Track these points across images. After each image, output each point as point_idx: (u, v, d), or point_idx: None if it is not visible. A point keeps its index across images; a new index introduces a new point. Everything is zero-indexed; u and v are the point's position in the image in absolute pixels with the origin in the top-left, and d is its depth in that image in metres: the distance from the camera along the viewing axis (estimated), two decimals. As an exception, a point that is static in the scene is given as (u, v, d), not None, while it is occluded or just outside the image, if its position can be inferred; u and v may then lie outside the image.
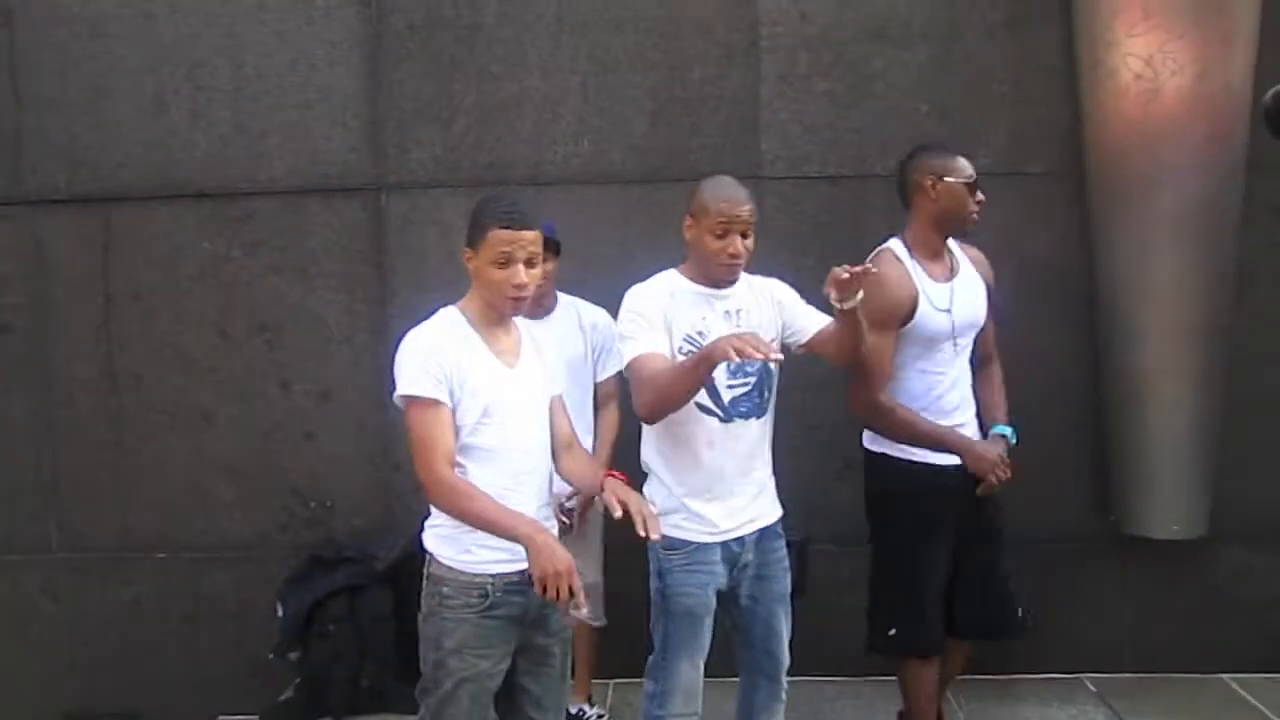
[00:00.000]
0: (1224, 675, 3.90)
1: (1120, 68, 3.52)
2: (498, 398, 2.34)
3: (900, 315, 2.89)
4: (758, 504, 2.74)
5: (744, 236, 2.61)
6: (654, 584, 2.70)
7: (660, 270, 2.75)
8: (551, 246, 3.20)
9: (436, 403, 2.29)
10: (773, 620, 2.77)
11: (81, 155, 3.88)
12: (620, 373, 3.35)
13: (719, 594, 2.71)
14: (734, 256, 2.61)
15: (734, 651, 2.84)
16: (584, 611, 2.19)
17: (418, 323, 2.40)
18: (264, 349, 3.92)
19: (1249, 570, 3.90)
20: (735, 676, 2.86)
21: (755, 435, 2.72)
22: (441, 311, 2.42)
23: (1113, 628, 3.92)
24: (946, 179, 2.94)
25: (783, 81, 3.82)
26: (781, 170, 3.83)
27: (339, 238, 3.89)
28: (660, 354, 2.58)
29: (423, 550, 2.44)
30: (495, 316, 2.40)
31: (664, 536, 2.64)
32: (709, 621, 2.70)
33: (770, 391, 2.73)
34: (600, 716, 3.64)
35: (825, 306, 2.64)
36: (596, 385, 3.45)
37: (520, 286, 2.32)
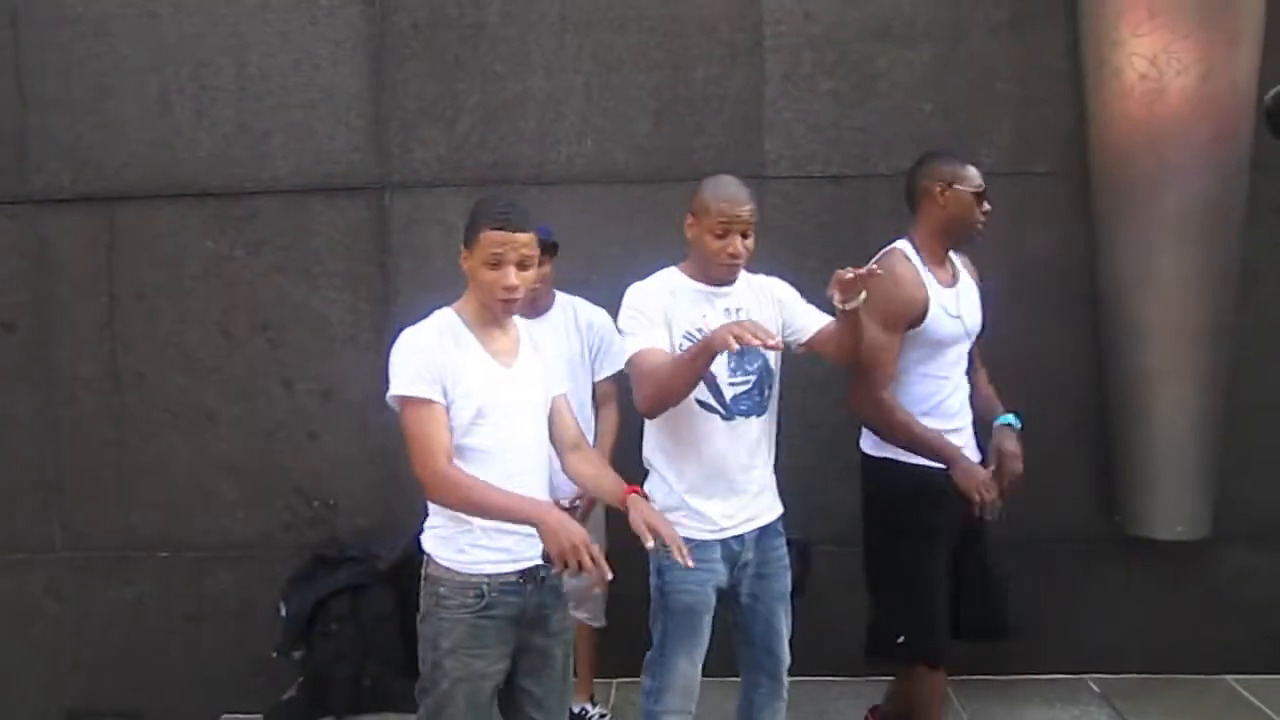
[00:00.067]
0: (1228, 676, 3.89)
1: (1125, 67, 3.51)
2: (492, 398, 2.34)
3: (910, 315, 2.87)
4: (758, 502, 2.75)
5: (744, 236, 2.62)
6: (653, 580, 2.70)
7: (662, 269, 2.75)
8: (549, 249, 3.21)
9: (430, 402, 2.29)
10: (773, 619, 2.77)
11: (86, 154, 3.88)
12: (618, 372, 3.37)
13: (720, 592, 2.71)
14: (733, 256, 2.62)
15: (735, 650, 2.83)
16: (609, 576, 2.17)
17: (419, 322, 2.40)
18: (267, 348, 3.92)
19: (1253, 571, 3.89)
20: (737, 676, 2.86)
21: (756, 433, 2.72)
22: (437, 312, 2.42)
23: (1116, 628, 3.92)
24: (956, 187, 2.93)
25: (786, 81, 3.81)
26: (785, 170, 3.83)
27: (342, 237, 3.89)
28: (660, 349, 2.58)
29: (422, 551, 2.44)
30: (491, 317, 2.40)
31: None
32: (708, 619, 2.70)
33: (770, 389, 2.74)
34: (603, 716, 3.65)
35: (828, 306, 2.63)
36: (595, 385, 3.45)
37: (511, 289, 2.32)
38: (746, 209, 2.61)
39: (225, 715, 3.90)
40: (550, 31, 3.81)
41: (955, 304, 2.99)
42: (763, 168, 3.81)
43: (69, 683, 4.03)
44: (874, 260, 2.99)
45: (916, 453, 2.92)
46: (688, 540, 2.62)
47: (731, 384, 2.66)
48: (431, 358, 2.31)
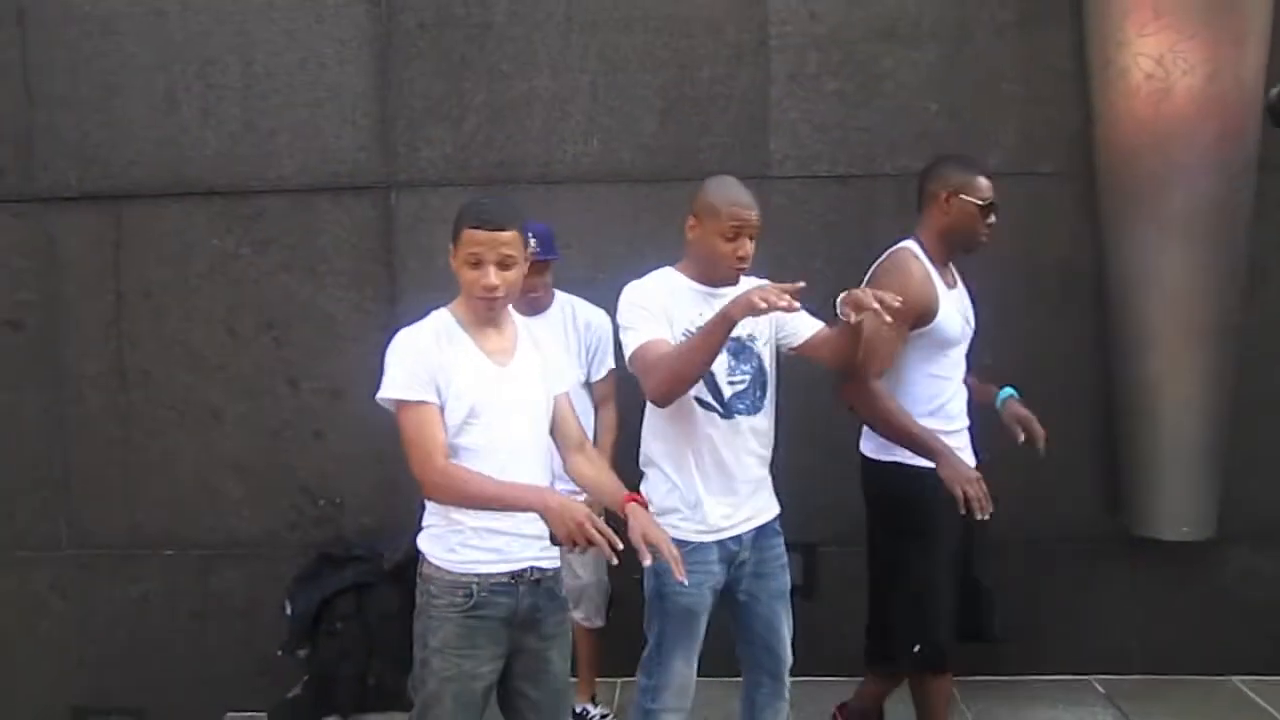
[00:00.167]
0: (1233, 677, 3.89)
1: (1131, 67, 3.51)
2: (485, 397, 2.34)
3: (919, 311, 2.86)
4: (755, 501, 2.75)
5: (750, 239, 2.63)
6: (649, 581, 2.70)
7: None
8: (547, 259, 3.27)
9: (424, 404, 2.30)
10: (773, 618, 2.77)
11: (93, 153, 3.89)
12: (615, 372, 3.38)
13: (718, 592, 2.71)
14: (743, 259, 2.63)
15: (736, 650, 2.83)
16: (619, 545, 2.15)
17: (415, 323, 2.40)
18: (273, 347, 3.93)
19: (1258, 572, 3.89)
20: (739, 676, 2.86)
21: (754, 432, 2.72)
22: (433, 313, 2.42)
23: (1121, 629, 3.91)
24: (962, 196, 2.93)
25: (792, 81, 3.81)
26: (790, 170, 3.83)
27: (349, 236, 3.90)
28: (665, 340, 2.58)
29: (419, 551, 2.45)
30: (484, 316, 2.40)
31: None
32: (704, 619, 2.71)
33: (766, 389, 2.74)
34: (604, 716, 3.64)
35: (832, 306, 2.62)
36: (592, 385, 3.45)
37: (490, 288, 2.31)
38: (755, 212, 2.62)
39: (230, 713, 3.91)
40: (556, 31, 3.81)
41: (959, 305, 3.01)
42: (768, 168, 3.81)
43: (75, 680, 4.04)
44: (883, 257, 3.01)
45: (903, 444, 2.89)
46: (685, 543, 2.63)
47: (730, 382, 2.67)
48: (425, 359, 2.31)
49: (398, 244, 3.89)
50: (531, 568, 2.39)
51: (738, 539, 2.71)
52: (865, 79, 3.80)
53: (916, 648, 2.99)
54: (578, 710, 3.52)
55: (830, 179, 3.83)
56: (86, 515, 4.00)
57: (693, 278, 2.70)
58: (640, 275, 2.74)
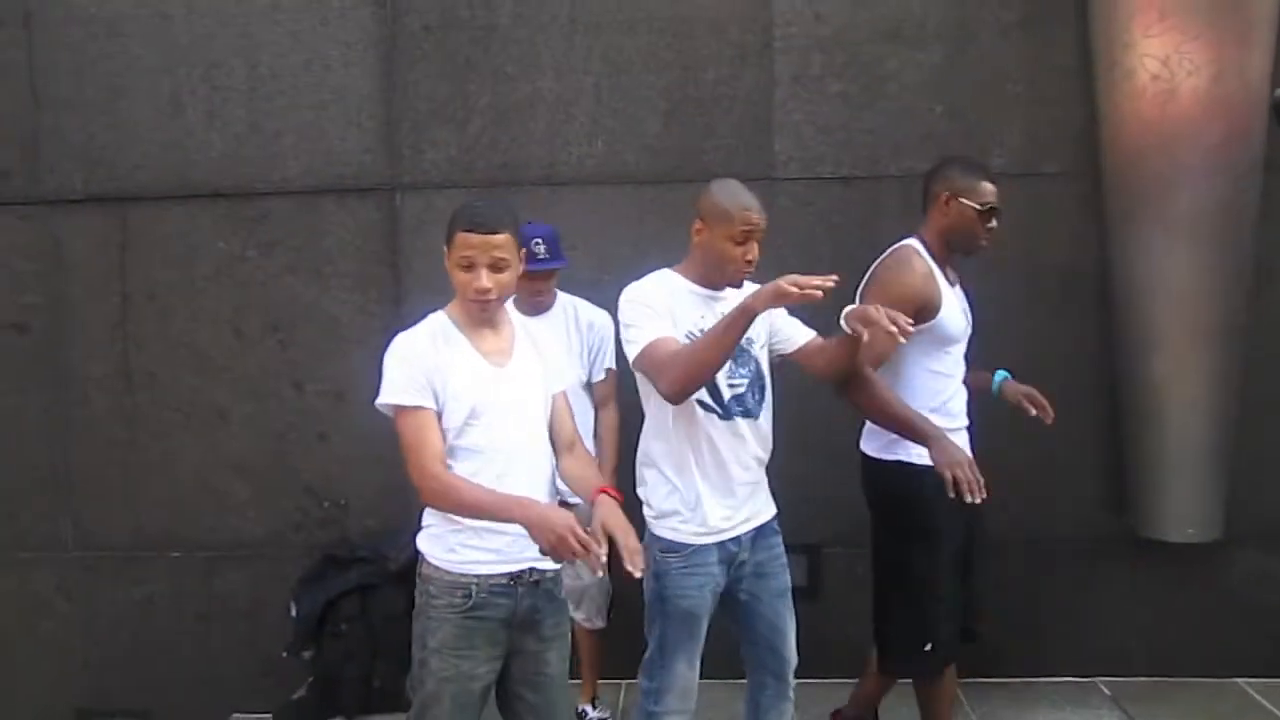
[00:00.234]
0: (1239, 679, 3.88)
1: (1137, 68, 3.51)
2: (483, 398, 2.34)
3: (921, 305, 2.85)
4: (753, 502, 2.75)
5: (757, 243, 2.64)
6: (649, 584, 2.70)
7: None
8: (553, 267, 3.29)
9: (421, 409, 2.30)
10: (776, 618, 2.77)
11: (98, 155, 3.90)
12: (613, 372, 3.38)
13: (721, 595, 2.71)
14: (750, 263, 2.64)
15: (740, 651, 2.83)
16: (604, 551, 2.14)
17: (413, 326, 2.40)
18: (278, 349, 3.93)
19: (1264, 573, 3.87)
20: (743, 678, 2.85)
21: (753, 433, 2.72)
22: (430, 316, 2.43)
23: (1126, 631, 3.90)
24: (962, 199, 2.93)
25: (796, 82, 3.81)
26: (795, 171, 3.83)
27: (353, 238, 3.90)
28: (672, 337, 2.58)
29: (418, 551, 2.45)
30: (480, 317, 2.40)
31: (661, 539, 2.66)
32: (705, 621, 2.71)
33: (764, 391, 2.74)
34: (603, 718, 3.64)
35: (833, 310, 2.61)
36: (593, 385, 3.45)
37: (482, 291, 2.31)
38: (763, 216, 2.64)
39: (235, 715, 3.91)
40: (560, 33, 3.81)
41: (961, 303, 3.03)
42: (773, 169, 3.81)
43: (78, 681, 4.04)
44: (885, 254, 3.00)
45: (896, 428, 2.87)
46: (685, 545, 2.63)
47: (730, 384, 2.67)
48: (422, 363, 2.32)
49: (403, 246, 3.89)
50: (531, 569, 2.39)
51: (737, 540, 2.71)
52: (869, 80, 3.80)
53: (928, 646, 2.98)
54: (577, 710, 3.51)
55: (834, 180, 3.83)
56: (91, 516, 4.01)
57: (693, 280, 2.70)
58: (644, 276, 2.74)
